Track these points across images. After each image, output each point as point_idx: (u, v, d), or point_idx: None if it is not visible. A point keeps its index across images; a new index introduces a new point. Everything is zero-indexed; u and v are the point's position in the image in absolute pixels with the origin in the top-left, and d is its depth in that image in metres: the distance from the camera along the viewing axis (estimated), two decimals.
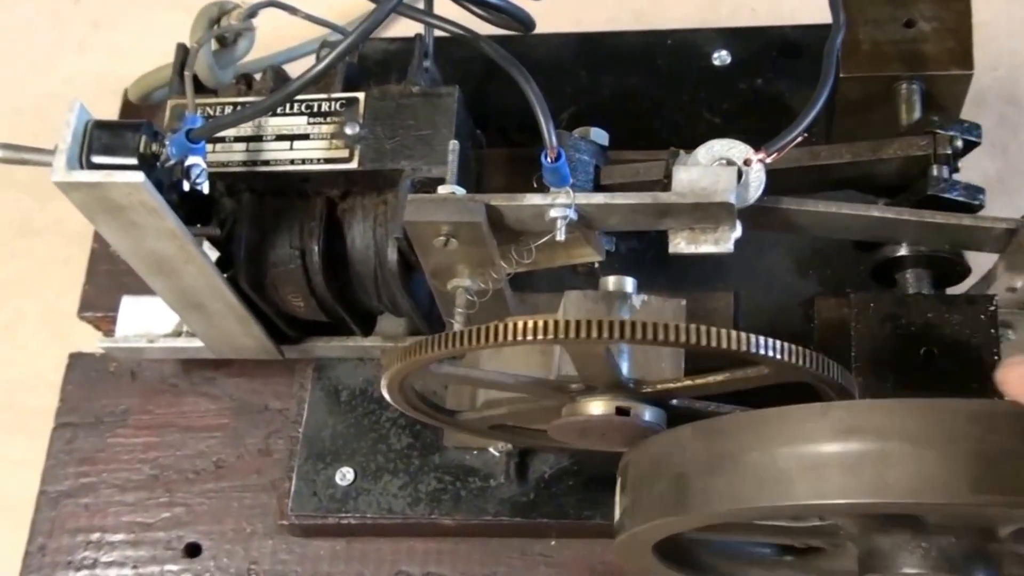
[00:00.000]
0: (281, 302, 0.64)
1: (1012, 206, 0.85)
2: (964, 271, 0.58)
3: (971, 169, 0.86)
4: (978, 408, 0.44)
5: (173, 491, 0.74)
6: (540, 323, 0.46)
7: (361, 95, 0.60)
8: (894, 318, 0.56)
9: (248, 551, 0.72)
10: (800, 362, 0.48)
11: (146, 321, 0.73)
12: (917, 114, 0.61)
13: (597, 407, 0.52)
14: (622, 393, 0.53)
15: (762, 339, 0.47)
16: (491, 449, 0.68)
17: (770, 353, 0.47)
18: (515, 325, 0.47)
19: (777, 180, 0.56)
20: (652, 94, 0.77)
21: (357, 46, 0.54)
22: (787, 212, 0.55)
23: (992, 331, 0.55)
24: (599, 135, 0.61)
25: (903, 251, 0.57)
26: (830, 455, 0.44)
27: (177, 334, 0.72)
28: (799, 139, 0.53)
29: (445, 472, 0.69)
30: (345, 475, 0.70)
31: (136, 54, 0.84)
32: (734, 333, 0.46)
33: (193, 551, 0.73)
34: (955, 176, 0.58)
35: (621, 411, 0.52)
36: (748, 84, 0.77)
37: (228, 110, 0.61)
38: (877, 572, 0.52)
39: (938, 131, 0.57)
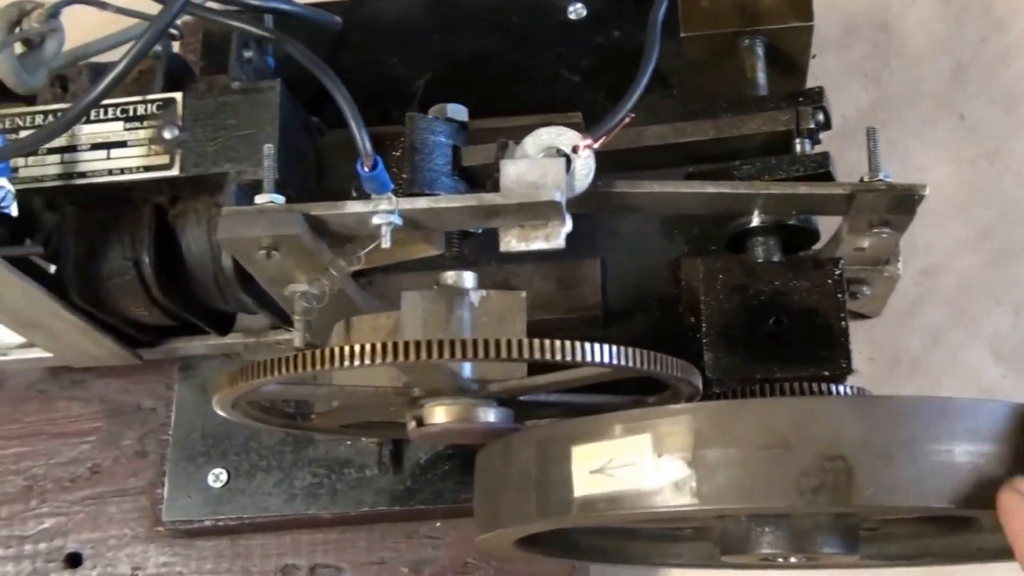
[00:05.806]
0: (124, 312, 0.61)
1: (885, 138, 0.84)
2: (813, 235, 0.57)
3: (846, 102, 0.85)
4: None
5: (49, 500, 0.72)
6: (359, 348, 0.45)
7: (179, 95, 0.57)
8: (743, 288, 0.55)
9: (131, 557, 0.71)
10: (629, 363, 0.46)
11: None
12: (760, 72, 0.59)
13: (440, 415, 0.51)
14: (466, 396, 0.51)
15: (588, 347, 0.45)
16: (364, 439, 0.67)
17: (597, 359, 0.45)
18: (335, 351, 0.45)
19: (641, 158, 0.55)
20: (509, 55, 0.74)
21: (146, 52, 0.51)
22: (624, 195, 0.53)
23: (839, 295, 0.54)
24: (457, 111, 0.57)
25: (755, 221, 0.56)
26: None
27: (31, 345, 0.69)
28: (627, 120, 0.51)
29: (319, 466, 0.68)
30: (219, 476, 0.68)
31: None
32: (560, 344, 0.45)
33: (75, 561, 0.71)
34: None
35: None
36: (605, 37, 0.73)
37: (41, 119, 0.57)
38: (735, 553, 0.52)
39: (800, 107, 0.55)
